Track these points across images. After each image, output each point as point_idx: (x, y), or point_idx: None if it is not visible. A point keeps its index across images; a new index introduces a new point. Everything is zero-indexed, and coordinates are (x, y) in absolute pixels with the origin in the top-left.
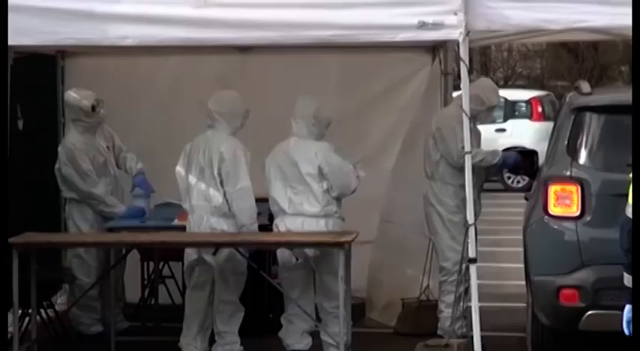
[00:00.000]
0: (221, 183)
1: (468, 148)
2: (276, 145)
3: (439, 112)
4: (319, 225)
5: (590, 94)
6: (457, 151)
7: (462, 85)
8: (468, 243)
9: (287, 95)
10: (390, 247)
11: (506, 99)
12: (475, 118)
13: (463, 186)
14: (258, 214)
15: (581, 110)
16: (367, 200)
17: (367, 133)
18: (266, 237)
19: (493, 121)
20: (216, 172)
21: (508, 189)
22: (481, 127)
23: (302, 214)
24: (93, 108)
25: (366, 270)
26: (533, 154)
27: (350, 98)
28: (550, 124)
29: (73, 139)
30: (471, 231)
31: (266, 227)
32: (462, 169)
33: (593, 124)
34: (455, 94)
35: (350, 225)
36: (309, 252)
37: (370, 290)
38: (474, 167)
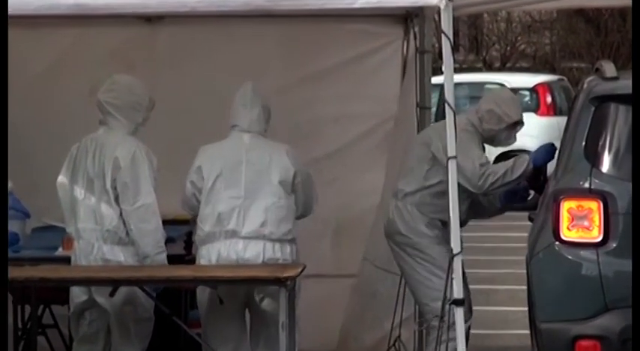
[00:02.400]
0: (116, 199)
1: (452, 152)
2: (217, 143)
3: (434, 126)
4: (285, 252)
5: (615, 78)
6: (473, 170)
7: (444, 67)
8: (452, 279)
9: (210, 79)
10: (367, 292)
11: (503, 86)
12: (492, 141)
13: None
14: (170, 240)
15: (603, 100)
16: (316, 220)
17: (317, 131)
18: (180, 271)
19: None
20: (109, 185)
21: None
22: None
23: (263, 238)
24: None
25: (331, 315)
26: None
27: (294, 85)
28: (562, 120)
29: None
30: (457, 263)
31: (182, 258)
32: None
33: (619, 118)
34: (434, 79)
35: (300, 252)
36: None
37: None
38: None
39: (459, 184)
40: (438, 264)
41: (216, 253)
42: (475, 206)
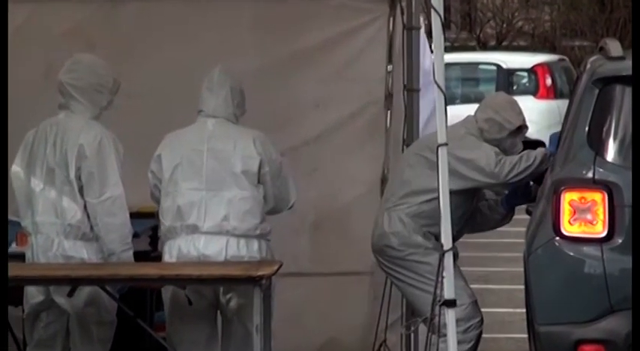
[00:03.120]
0: (80, 190)
1: (442, 139)
2: (180, 130)
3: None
4: (251, 249)
5: (621, 58)
6: (488, 158)
7: (433, 46)
8: (443, 278)
9: (179, 61)
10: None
11: (499, 66)
12: (500, 142)
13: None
14: (135, 235)
15: (608, 82)
16: (294, 214)
17: (295, 117)
18: (145, 269)
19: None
20: (72, 175)
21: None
22: (460, 109)
23: (227, 233)
24: None
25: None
26: (538, 146)
27: (270, 67)
28: (563, 103)
29: None
30: (448, 260)
31: (147, 255)
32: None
33: (625, 102)
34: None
35: (275, 248)
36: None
37: None
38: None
39: (460, 191)
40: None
41: (176, 249)
42: (474, 216)
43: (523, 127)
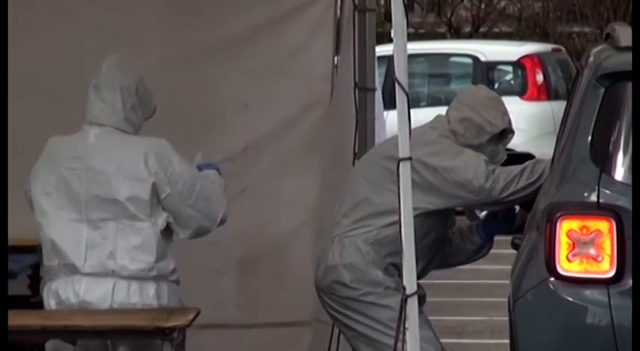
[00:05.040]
0: None
1: (405, 152)
2: (51, 143)
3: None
4: (146, 294)
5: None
6: (477, 168)
7: (393, 34)
8: (405, 329)
9: (69, 51)
10: None
11: (476, 59)
12: (478, 149)
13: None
14: (12, 275)
15: (617, 79)
16: (214, 248)
17: (218, 123)
18: (25, 319)
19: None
20: None
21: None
22: (427, 114)
23: (113, 274)
24: None
25: None
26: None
27: (185, 59)
28: (559, 106)
29: None
30: (412, 307)
31: (26, 300)
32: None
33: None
34: (380, 49)
35: (189, 293)
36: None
37: None
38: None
39: (431, 212)
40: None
41: (54, 294)
42: (442, 245)
43: (508, 132)
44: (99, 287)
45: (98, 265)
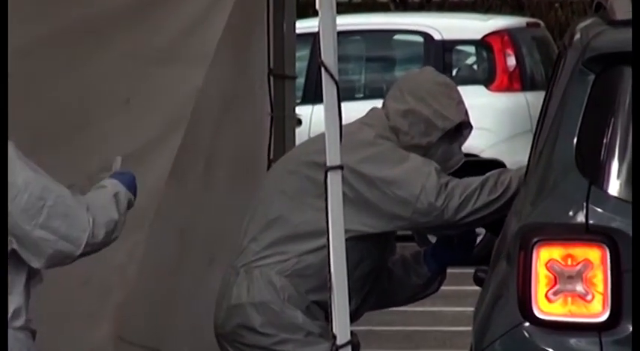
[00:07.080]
0: None
1: (335, 159)
2: None
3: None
4: None
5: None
6: (427, 180)
7: (318, 5)
8: None
9: None
10: None
11: (428, 37)
12: (428, 150)
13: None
14: None
15: (611, 63)
16: (89, 293)
17: (90, 121)
18: None
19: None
20: None
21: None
22: (365, 107)
23: None
24: None
25: None
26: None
27: (49, 42)
28: (536, 97)
29: None
30: None
31: None
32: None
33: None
34: (302, 25)
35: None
36: None
37: None
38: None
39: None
40: None
41: None
42: (379, 279)
43: (465, 126)
44: None
45: None
